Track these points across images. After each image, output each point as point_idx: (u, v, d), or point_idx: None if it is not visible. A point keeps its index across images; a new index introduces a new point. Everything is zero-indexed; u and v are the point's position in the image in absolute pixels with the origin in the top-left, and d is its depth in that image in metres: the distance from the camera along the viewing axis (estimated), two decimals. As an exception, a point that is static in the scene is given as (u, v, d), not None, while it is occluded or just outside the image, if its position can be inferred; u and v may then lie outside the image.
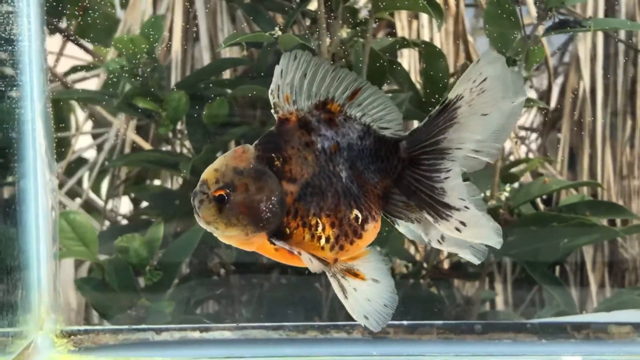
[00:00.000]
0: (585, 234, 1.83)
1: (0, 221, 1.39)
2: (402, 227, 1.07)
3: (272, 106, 1.01)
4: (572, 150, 2.29)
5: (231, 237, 1.00)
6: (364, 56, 1.82)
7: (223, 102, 1.88)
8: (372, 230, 1.03)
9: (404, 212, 1.05)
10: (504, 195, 1.87)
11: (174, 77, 2.24)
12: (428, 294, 1.95)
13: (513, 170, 2.03)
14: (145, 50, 1.96)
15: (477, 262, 1.05)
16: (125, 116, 2.28)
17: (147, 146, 2.26)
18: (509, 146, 2.34)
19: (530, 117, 2.58)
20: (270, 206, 0.98)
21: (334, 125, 1.02)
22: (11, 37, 1.45)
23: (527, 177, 2.13)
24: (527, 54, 1.76)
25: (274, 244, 1.00)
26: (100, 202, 2.24)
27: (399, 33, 2.14)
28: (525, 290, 1.98)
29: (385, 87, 1.97)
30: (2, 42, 1.42)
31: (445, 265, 2.05)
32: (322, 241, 1.00)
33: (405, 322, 1.52)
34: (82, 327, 1.54)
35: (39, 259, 1.50)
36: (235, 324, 1.52)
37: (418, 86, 1.94)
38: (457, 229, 1.03)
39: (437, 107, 1.02)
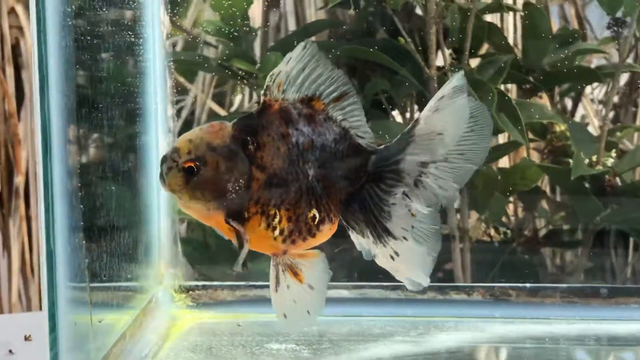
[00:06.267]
0: (696, 202, 1.79)
1: (128, 176, 1.39)
2: (353, 235, 1.07)
3: (264, 88, 1.01)
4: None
5: (192, 209, 1.00)
6: (470, 17, 1.79)
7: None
8: (327, 231, 1.04)
9: (358, 224, 1.05)
10: (610, 161, 1.83)
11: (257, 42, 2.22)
12: (525, 261, 1.93)
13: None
14: (241, 12, 1.94)
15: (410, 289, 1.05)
16: (204, 83, 2.27)
17: (223, 113, 2.26)
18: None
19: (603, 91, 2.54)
20: (237, 188, 0.98)
21: (312, 122, 1.02)
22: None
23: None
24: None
25: (229, 224, 0.99)
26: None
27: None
28: (624, 259, 1.95)
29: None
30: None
31: (540, 233, 2.03)
32: (276, 232, 1.00)
33: (527, 285, 1.50)
34: (200, 283, 1.54)
35: (159, 214, 1.50)
36: (352, 283, 1.51)
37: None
38: (391, 257, 1.03)
39: (412, 123, 1.02)
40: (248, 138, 0.99)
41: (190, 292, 1.52)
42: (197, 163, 0.97)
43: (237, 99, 2.28)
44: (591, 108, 2.34)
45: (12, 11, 2.68)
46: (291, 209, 1.00)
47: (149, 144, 1.46)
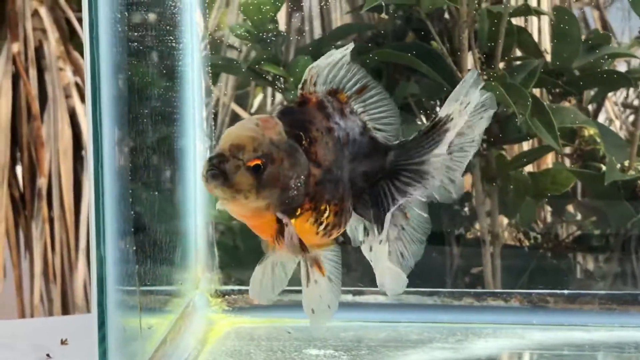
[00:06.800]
0: None
1: (168, 180, 1.40)
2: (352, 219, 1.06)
3: (302, 81, 1.00)
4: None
5: (248, 208, 0.94)
6: (502, 21, 1.78)
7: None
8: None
9: (365, 217, 1.05)
10: (644, 166, 1.83)
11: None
12: (556, 267, 1.92)
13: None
14: (271, 16, 1.94)
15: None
16: (228, 85, 2.27)
17: (246, 116, 2.26)
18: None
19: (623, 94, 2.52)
20: (299, 184, 0.96)
21: (343, 116, 1.01)
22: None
23: None
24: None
25: (281, 221, 0.96)
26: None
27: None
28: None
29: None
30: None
31: (570, 238, 2.02)
32: (321, 227, 0.99)
33: (565, 292, 1.49)
34: (236, 287, 1.53)
35: (196, 218, 1.50)
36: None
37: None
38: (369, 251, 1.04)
39: (427, 124, 1.02)
40: (300, 133, 0.97)
41: (226, 296, 1.52)
42: (264, 160, 0.93)
43: (257, 101, 2.28)
44: (613, 111, 2.34)
45: (35, 13, 2.68)
46: (339, 204, 1.00)
47: (187, 148, 1.46)
